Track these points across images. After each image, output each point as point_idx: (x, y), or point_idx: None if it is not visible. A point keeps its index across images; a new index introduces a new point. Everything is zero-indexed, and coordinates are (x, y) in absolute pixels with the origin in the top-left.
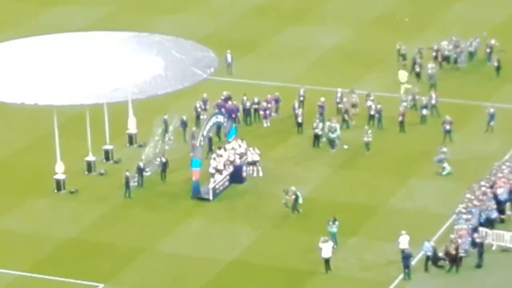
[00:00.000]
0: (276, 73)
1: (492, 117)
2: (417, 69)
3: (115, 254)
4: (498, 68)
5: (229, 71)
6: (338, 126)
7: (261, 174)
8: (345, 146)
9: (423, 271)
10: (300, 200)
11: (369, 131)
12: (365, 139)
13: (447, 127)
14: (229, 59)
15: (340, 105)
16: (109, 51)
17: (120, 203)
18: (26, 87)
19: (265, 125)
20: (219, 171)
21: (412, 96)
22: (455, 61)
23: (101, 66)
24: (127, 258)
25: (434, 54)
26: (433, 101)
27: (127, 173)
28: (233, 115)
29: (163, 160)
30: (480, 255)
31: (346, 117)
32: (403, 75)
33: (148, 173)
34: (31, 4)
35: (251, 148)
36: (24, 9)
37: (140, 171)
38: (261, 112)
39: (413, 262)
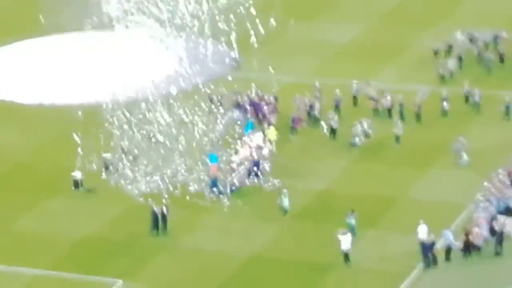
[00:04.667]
0: (291, 68)
1: (509, 106)
2: (440, 71)
3: (133, 251)
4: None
5: (238, 67)
6: (366, 124)
7: (269, 166)
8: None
9: (443, 260)
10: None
11: (399, 124)
12: (396, 131)
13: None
14: (237, 56)
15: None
16: (127, 49)
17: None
18: (42, 87)
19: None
20: (237, 166)
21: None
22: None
23: (116, 64)
24: (146, 255)
25: (447, 48)
26: (477, 99)
27: (155, 208)
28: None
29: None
30: (499, 243)
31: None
32: (272, 132)
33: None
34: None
35: (265, 143)
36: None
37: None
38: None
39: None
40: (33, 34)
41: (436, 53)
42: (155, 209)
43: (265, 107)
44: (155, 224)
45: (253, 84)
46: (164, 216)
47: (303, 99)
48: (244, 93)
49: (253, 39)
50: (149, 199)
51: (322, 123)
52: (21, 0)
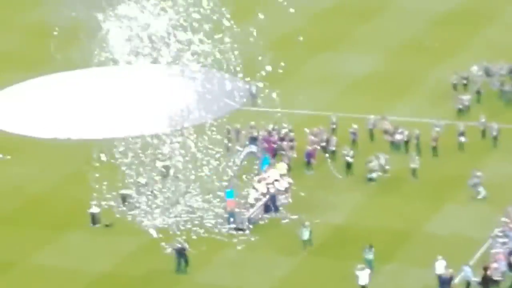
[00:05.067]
0: (307, 102)
1: None
2: (460, 106)
3: (150, 286)
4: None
5: (253, 102)
6: (383, 159)
7: (290, 200)
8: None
9: None
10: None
11: (416, 158)
12: (412, 165)
13: None
14: (254, 91)
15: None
16: (141, 84)
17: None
18: (59, 122)
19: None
20: (254, 201)
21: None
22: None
23: (132, 99)
24: None
25: (464, 82)
26: (495, 133)
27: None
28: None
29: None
30: None
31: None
32: (282, 167)
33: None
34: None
35: (283, 177)
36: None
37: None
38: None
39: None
40: (47, 71)
41: (454, 87)
42: (178, 246)
43: (285, 143)
44: (180, 261)
45: (269, 119)
46: (185, 253)
47: (319, 133)
48: (261, 128)
49: (269, 73)
50: (172, 237)
51: (331, 167)
52: (35, 38)
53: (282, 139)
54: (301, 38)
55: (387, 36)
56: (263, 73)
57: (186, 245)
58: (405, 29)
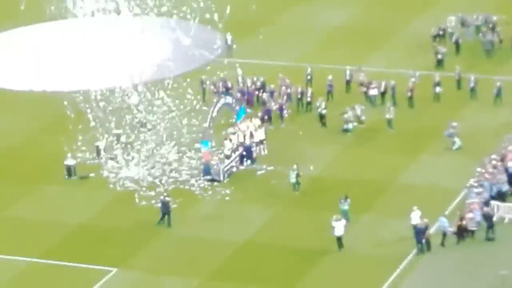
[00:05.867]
0: (283, 53)
1: (500, 90)
2: (439, 57)
3: (127, 239)
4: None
5: (229, 53)
6: (359, 110)
7: (266, 152)
8: None
9: (438, 245)
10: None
11: (391, 108)
12: (387, 116)
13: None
14: (229, 41)
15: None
16: (115, 36)
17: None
18: (34, 74)
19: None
20: (230, 152)
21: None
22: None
23: (107, 51)
24: (140, 242)
25: (441, 33)
26: (472, 84)
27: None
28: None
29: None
30: (491, 228)
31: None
32: (256, 122)
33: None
34: None
35: (259, 128)
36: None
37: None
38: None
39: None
40: (18, 24)
41: (434, 38)
42: (164, 199)
43: (265, 94)
44: (164, 214)
45: (245, 70)
46: (168, 206)
47: (294, 86)
48: (236, 79)
49: (245, 24)
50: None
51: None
52: None
53: (258, 90)
54: None
55: None
56: (238, 24)
57: (169, 199)
58: None
